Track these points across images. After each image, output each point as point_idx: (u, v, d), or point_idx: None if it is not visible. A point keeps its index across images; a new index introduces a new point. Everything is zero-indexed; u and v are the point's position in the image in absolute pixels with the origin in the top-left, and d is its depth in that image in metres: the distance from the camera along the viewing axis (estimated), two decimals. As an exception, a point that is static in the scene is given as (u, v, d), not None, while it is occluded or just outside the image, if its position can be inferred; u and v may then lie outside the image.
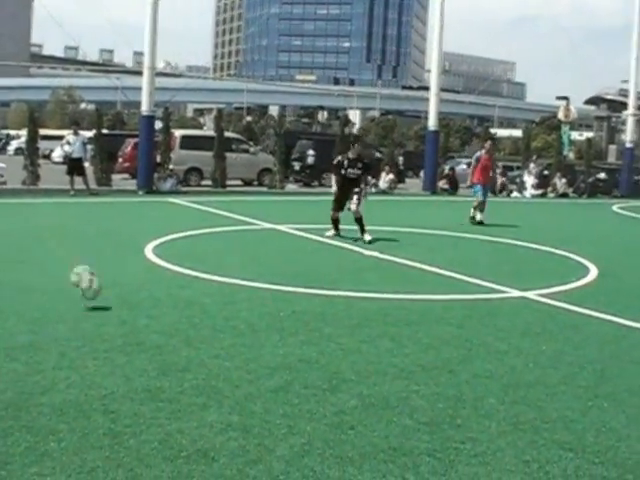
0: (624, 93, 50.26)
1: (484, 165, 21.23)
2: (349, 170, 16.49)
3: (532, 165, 38.86)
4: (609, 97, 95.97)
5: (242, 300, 9.71)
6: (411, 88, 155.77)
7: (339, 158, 17.00)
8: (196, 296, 9.82)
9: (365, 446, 5.21)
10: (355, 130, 65.52)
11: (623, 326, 9.33)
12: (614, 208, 30.69)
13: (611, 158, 52.18)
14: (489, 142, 22.43)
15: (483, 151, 21.68)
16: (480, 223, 20.46)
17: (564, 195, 37.68)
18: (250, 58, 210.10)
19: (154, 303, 9.35)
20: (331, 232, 16.63)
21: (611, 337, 8.80)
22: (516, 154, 50.83)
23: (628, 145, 43.97)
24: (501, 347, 8.02)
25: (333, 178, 17.02)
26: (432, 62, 38.38)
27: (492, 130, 66.45)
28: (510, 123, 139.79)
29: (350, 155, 16.62)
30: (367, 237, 15.93)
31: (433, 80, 37.45)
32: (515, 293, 11.05)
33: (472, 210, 20.89)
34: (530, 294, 10.97)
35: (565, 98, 46.79)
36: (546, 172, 39.87)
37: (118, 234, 16.18)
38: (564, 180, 38.58)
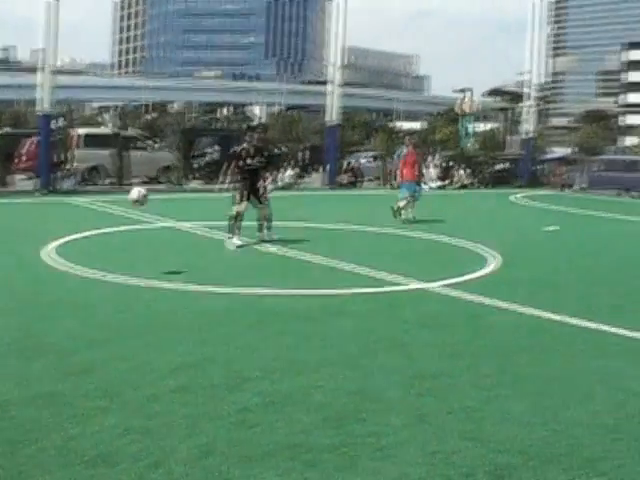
0: (523, 84, 51.27)
1: (409, 162, 20.78)
2: (250, 160, 15.30)
3: (430, 158, 39.16)
4: (509, 89, 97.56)
5: (142, 300, 9.58)
6: (313, 83, 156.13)
7: (237, 148, 15.99)
8: (95, 297, 9.65)
9: (269, 444, 5.15)
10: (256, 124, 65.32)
11: (523, 314, 9.46)
12: (515, 197, 31.17)
13: (512, 149, 52.89)
14: (408, 137, 22.10)
15: (405, 148, 21.34)
16: (410, 220, 19.98)
17: (465, 186, 38.10)
18: (155, 54, 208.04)
19: (52, 305, 9.16)
20: (235, 238, 14.93)
21: (512, 326, 8.92)
22: (418, 147, 51.31)
23: (526, 135, 44.70)
24: (404, 339, 8.05)
25: (226, 171, 15.63)
26: (332, 56, 38.43)
27: (397, 123, 66.83)
28: (413, 116, 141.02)
29: (248, 146, 15.52)
30: (269, 234, 15.51)
31: (334, 74, 37.50)
32: (418, 285, 11.12)
33: (397, 205, 20.32)
34: (433, 286, 11.05)
35: (464, 91, 47.36)
36: (450, 163, 40.27)
37: (14, 235, 15.78)
38: (466, 171, 39.01)
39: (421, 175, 21.52)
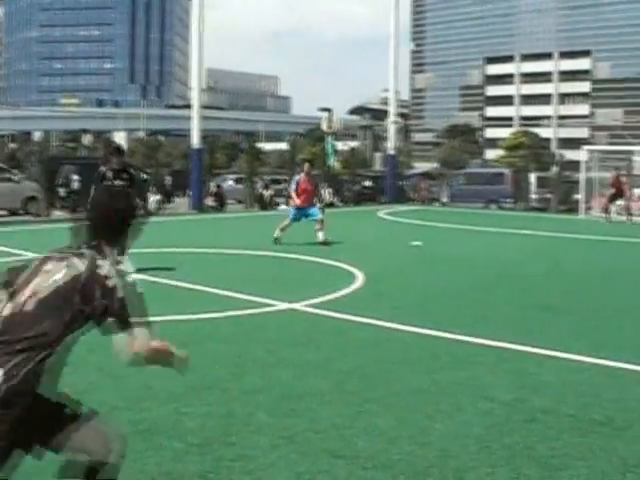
0: (386, 102, 52.11)
1: (303, 188, 20.80)
2: (115, 182, 14.63)
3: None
4: (372, 106, 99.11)
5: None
6: (176, 107, 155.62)
7: (101, 169, 15.26)
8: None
9: (136, 474, 5.04)
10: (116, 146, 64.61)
11: (387, 329, 9.57)
12: (380, 214, 31.59)
13: (376, 166, 53.76)
14: (307, 164, 22.19)
15: (302, 175, 21.32)
16: (325, 243, 19.89)
17: (330, 205, 38.40)
18: (13, 83, 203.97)
19: None
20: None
21: (376, 341, 9.00)
22: (282, 167, 51.44)
23: (391, 152, 45.43)
24: (270, 360, 8.03)
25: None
26: (193, 79, 38.38)
27: (259, 144, 67.07)
28: (278, 136, 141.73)
29: (114, 166, 14.93)
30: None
31: (195, 97, 37.42)
32: (283, 305, 11.10)
33: (277, 231, 20.28)
34: (298, 305, 11.06)
35: (327, 110, 47.63)
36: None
37: None
38: (330, 190, 39.34)
39: (316, 199, 21.61)
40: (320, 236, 20.18)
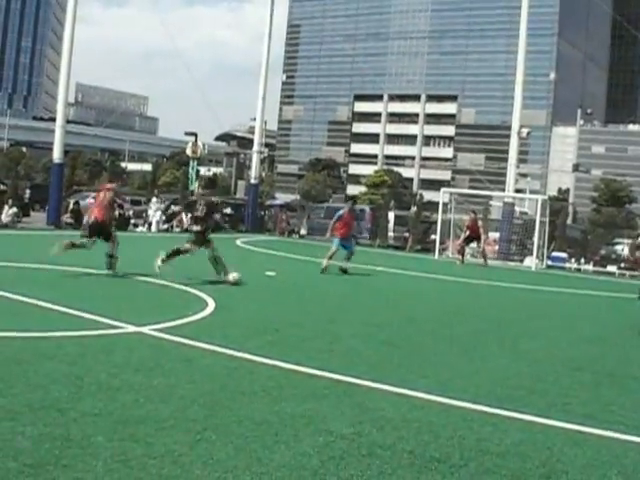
0: (253, 130, 52.28)
1: (346, 222, 22.66)
2: None
3: (154, 200, 39.13)
4: (239, 134, 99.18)
5: None
6: (42, 119, 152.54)
7: None
8: None
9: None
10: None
11: (235, 358, 9.54)
12: (238, 242, 31.57)
13: (240, 193, 53.76)
14: (351, 202, 24.32)
15: (346, 210, 23.09)
16: (345, 271, 22.18)
17: (186, 230, 38.08)
18: None
19: None
20: None
21: (223, 369, 8.96)
22: (144, 188, 51.00)
23: (253, 181, 45.51)
24: (113, 383, 7.91)
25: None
26: (60, 92, 37.69)
27: (122, 164, 66.21)
28: (144, 157, 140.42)
29: None
30: None
31: (60, 110, 36.76)
32: (131, 329, 10.95)
33: (325, 260, 22.14)
34: (146, 329, 10.92)
35: (194, 134, 47.52)
36: (175, 207, 40.26)
37: None
38: (190, 215, 39.04)
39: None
40: (345, 265, 22.46)
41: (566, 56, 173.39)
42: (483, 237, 32.79)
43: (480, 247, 33.04)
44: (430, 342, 12.39)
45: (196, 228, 18.25)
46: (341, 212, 22.87)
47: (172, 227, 38.21)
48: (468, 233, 32.18)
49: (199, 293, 15.20)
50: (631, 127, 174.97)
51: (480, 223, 33.21)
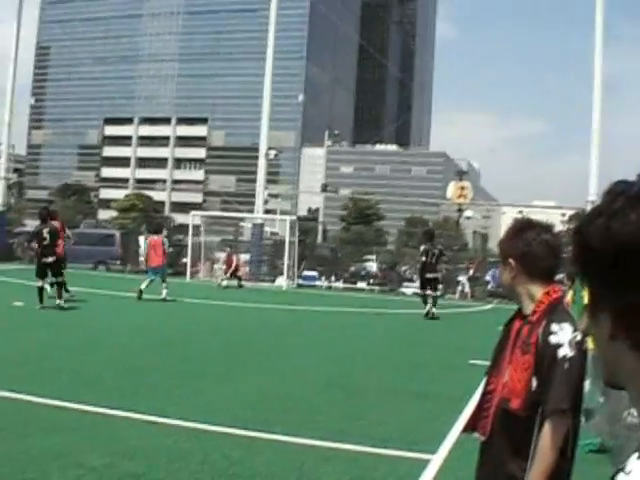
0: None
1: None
2: None
3: None
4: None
5: None
6: None
7: None
8: None
9: None
10: None
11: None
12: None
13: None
14: None
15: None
16: None
17: None
18: None
19: None
20: None
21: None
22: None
23: (0, 208, 43.93)
24: None
25: None
26: None
27: None
28: None
29: None
30: None
31: None
32: None
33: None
34: None
35: None
36: None
37: None
38: None
39: None
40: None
41: (314, 78, 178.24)
42: (238, 265, 33.24)
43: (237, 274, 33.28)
44: (181, 365, 12.36)
45: None
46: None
47: None
48: (225, 267, 32.77)
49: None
50: (378, 147, 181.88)
51: (233, 257, 33.47)
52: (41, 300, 18.88)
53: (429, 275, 22.46)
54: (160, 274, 23.76)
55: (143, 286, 22.84)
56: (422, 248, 23.14)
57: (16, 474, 6.38)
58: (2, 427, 7.84)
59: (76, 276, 24.58)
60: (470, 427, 3.64)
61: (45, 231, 19.47)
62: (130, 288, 23.57)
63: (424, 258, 22.55)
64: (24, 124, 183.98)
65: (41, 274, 19.47)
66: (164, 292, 22.95)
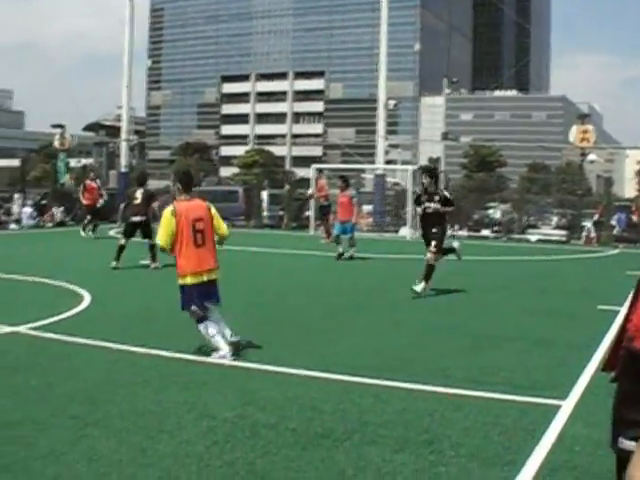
0: (120, 118, 51.29)
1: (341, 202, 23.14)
2: None
3: (17, 195, 38.10)
4: (107, 123, 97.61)
5: None
6: None
7: None
8: None
9: None
10: None
11: (115, 351, 9.45)
12: (111, 233, 30.84)
13: (111, 184, 52.78)
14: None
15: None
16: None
17: (62, 224, 37.28)
18: None
19: None
20: None
21: (103, 363, 8.87)
22: (13, 184, 49.65)
23: (123, 170, 44.82)
24: (-8, 387, 7.76)
25: None
26: None
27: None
28: (11, 153, 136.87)
29: None
30: None
31: None
32: (6, 329, 10.69)
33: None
34: (21, 328, 10.68)
35: (60, 126, 46.36)
36: (44, 201, 39.29)
37: None
38: (61, 209, 38.21)
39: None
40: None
41: (430, 26, 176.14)
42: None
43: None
44: (306, 318, 12.49)
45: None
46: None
47: (43, 222, 37.24)
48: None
49: (74, 287, 14.88)
50: (497, 93, 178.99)
51: (322, 181, 33.18)
52: (117, 258, 18.98)
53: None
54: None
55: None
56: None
57: (152, 426, 6.55)
58: (138, 382, 8.04)
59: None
60: (609, 366, 3.48)
61: (139, 192, 19.72)
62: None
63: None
64: (143, 87, 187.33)
65: (127, 233, 19.84)
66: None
